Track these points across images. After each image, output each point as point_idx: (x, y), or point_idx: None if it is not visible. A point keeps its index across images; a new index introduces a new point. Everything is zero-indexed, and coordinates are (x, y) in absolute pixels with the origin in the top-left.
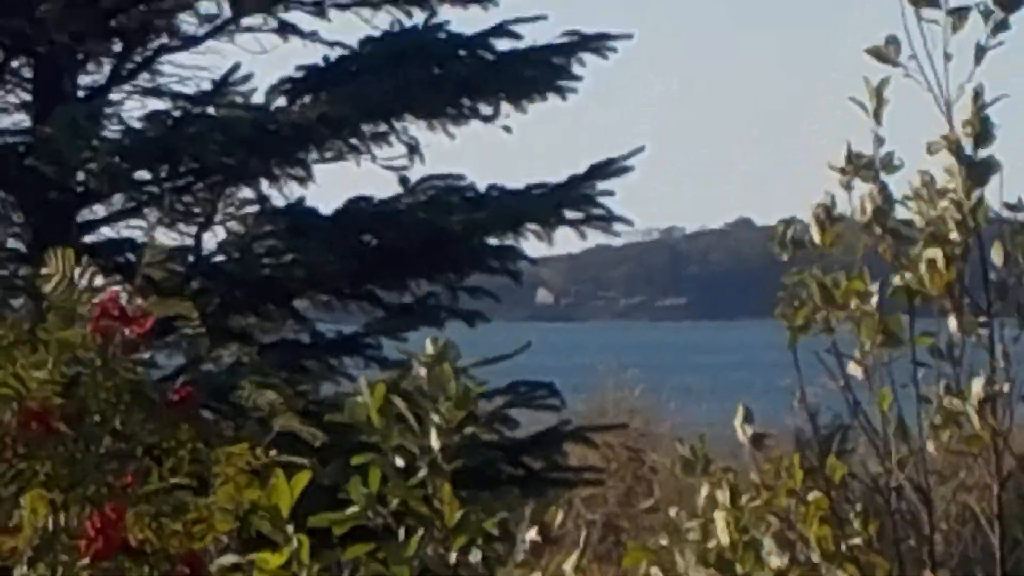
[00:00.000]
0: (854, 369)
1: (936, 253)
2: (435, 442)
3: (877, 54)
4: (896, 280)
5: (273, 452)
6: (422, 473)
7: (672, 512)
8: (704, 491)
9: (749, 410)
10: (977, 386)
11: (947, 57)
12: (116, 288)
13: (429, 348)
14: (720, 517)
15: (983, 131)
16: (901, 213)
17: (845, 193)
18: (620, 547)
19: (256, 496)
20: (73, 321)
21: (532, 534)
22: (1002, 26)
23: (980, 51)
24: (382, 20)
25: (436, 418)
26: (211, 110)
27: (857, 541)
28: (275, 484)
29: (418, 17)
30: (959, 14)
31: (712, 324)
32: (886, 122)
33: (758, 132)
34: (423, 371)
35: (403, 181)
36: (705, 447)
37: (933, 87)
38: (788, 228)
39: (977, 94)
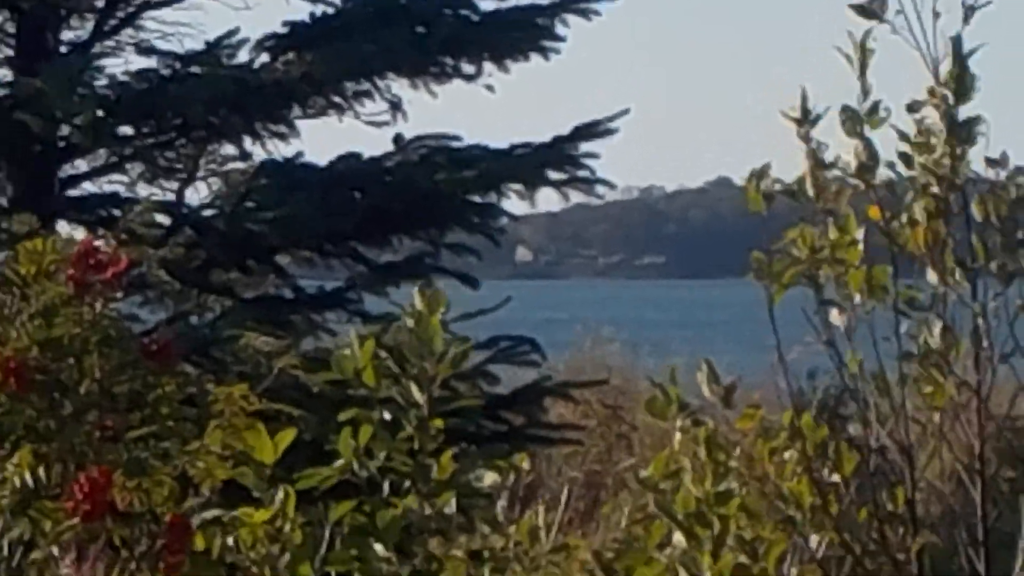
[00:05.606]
0: (836, 319)
1: (918, 208)
2: (419, 397)
3: (862, 10)
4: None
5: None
6: (410, 428)
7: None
8: (677, 438)
9: (712, 366)
10: (934, 338)
11: (935, 14)
12: (91, 237)
13: (417, 301)
14: (691, 470)
15: (962, 86)
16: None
17: (803, 144)
18: (600, 504)
19: (253, 441)
20: (48, 272)
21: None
22: None
23: (969, 11)
24: None
25: (417, 372)
26: (195, 68)
27: (835, 478)
28: (258, 439)
29: None
30: None
31: (690, 283)
32: (871, 79)
33: (737, 91)
34: (410, 323)
35: (396, 140)
36: (677, 388)
37: (920, 44)
38: (760, 181)
39: (956, 44)
